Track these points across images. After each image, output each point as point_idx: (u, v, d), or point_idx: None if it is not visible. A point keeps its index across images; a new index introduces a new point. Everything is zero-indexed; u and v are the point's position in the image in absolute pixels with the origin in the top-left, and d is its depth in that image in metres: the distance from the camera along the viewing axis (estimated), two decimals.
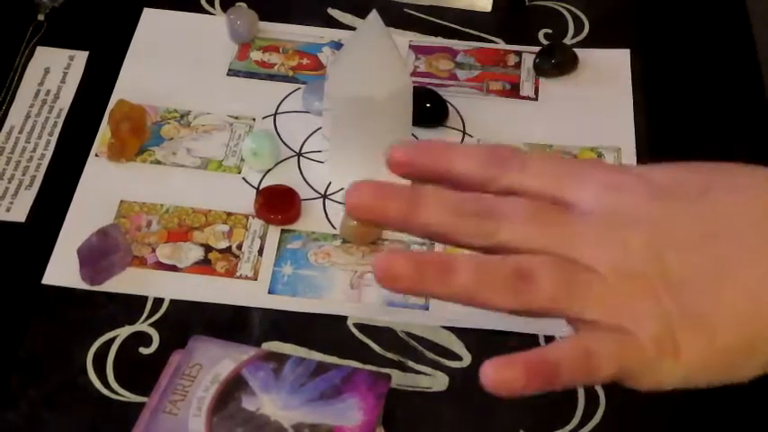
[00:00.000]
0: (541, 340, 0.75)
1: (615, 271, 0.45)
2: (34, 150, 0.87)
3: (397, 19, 0.97)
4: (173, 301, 0.78)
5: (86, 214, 0.82)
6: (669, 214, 0.46)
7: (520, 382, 0.43)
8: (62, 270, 0.79)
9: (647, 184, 0.47)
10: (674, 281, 0.45)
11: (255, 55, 0.95)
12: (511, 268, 0.44)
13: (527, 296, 0.44)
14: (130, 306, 0.77)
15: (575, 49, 0.95)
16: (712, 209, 0.46)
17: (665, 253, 0.45)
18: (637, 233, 0.45)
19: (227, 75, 0.93)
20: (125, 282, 0.78)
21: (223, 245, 0.81)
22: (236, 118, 0.90)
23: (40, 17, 0.97)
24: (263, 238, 0.82)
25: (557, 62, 0.94)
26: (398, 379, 0.73)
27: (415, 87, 0.84)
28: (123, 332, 0.76)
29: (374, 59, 0.81)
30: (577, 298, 0.44)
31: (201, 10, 0.99)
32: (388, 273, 0.44)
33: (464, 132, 0.89)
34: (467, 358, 0.75)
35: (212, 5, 0.99)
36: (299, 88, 0.92)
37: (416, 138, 0.88)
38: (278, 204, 0.82)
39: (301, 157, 0.87)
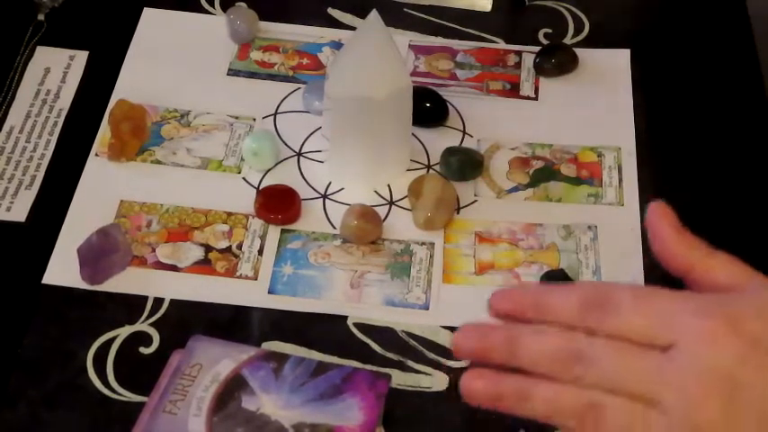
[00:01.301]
0: None
1: (686, 419, 0.46)
2: (34, 150, 0.87)
3: (397, 19, 0.97)
4: (173, 301, 0.78)
5: (86, 214, 0.82)
6: (756, 378, 0.47)
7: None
8: (62, 270, 0.79)
9: (741, 338, 0.47)
10: None
11: (255, 55, 0.95)
12: (584, 403, 0.48)
13: (591, 427, 0.48)
14: (130, 306, 0.77)
15: (575, 49, 0.95)
16: None
17: (741, 416, 0.46)
18: (719, 393, 0.47)
19: (228, 75, 0.93)
20: (125, 281, 0.78)
21: (223, 245, 0.81)
22: (237, 118, 0.90)
23: (40, 17, 0.97)
24: (263, 237, 0.82)
25: (557, 62, 0.94)
26: (398, 379, 0.73)
27: (414, 87, 0.83)
28: (123, 332, 0.76)
29: (374, 59, 0.81)
30: None
31: (201, 10, 0.99)
32: (470, 392, 0.50)
33: (464, 132, 0.89)
34: None
35: (212, 5, 0.99)
36: (299, 88, 0.92)
37: (416, 138, 0.88)
38: (278, 204, 0.82)
39: (301, 157, 0.87)
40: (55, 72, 0.93)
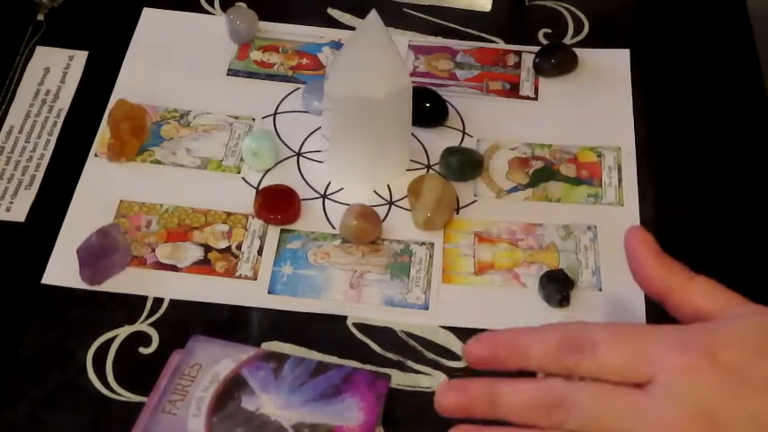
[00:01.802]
0: None
1: None
2: (34, 150, 0.87)
3: (396, 19, 0.97)
4: (172, 301, 0.78)
5: (86, 214, 0.82)
6: (737, 410, 0.47)
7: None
8: (62, 270, 0.79)
9: (720, 369, 0.47)
10: None
11: (255, 55, 0.95)
12: None
13: None
14: (130, 306, 0.77)
15: (574, 49, 0.95)
16: None
17: None
18: (700, 427, 0.47)
19: (227, 75, 0.93)
20: (125, 282, 0.78)
21: (223, 245, 0.81)
22: (236, 118, 0.90)
23: (40, 17, 0.97)
24: (262, 237, 0.82)
25: (556, 62, 0.94)
26: (398, 379, 0.73)
27: (414, 87, 0.83)
28: (123, 332, 0.76)
29: (374, 59, 0.81)
30: None
31: (201, 10, 0.99)
32: None
33: (464, 132, 0.89)
34: None
35: (212, 5, 0.99)
36: (298, 88, 0.92)
37: (416, 138, 0.88)
38: (278, 204, 0.82)
39: (301, 157, 0.87)
40: (54, 72, 0.93)
